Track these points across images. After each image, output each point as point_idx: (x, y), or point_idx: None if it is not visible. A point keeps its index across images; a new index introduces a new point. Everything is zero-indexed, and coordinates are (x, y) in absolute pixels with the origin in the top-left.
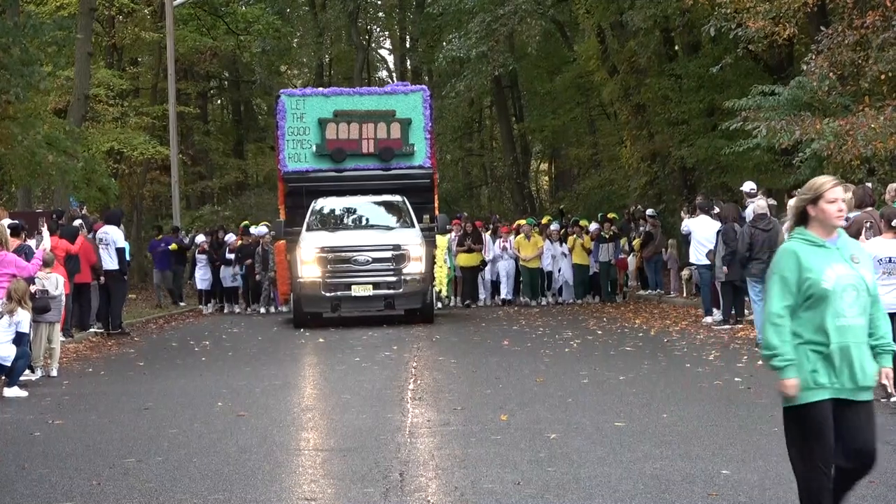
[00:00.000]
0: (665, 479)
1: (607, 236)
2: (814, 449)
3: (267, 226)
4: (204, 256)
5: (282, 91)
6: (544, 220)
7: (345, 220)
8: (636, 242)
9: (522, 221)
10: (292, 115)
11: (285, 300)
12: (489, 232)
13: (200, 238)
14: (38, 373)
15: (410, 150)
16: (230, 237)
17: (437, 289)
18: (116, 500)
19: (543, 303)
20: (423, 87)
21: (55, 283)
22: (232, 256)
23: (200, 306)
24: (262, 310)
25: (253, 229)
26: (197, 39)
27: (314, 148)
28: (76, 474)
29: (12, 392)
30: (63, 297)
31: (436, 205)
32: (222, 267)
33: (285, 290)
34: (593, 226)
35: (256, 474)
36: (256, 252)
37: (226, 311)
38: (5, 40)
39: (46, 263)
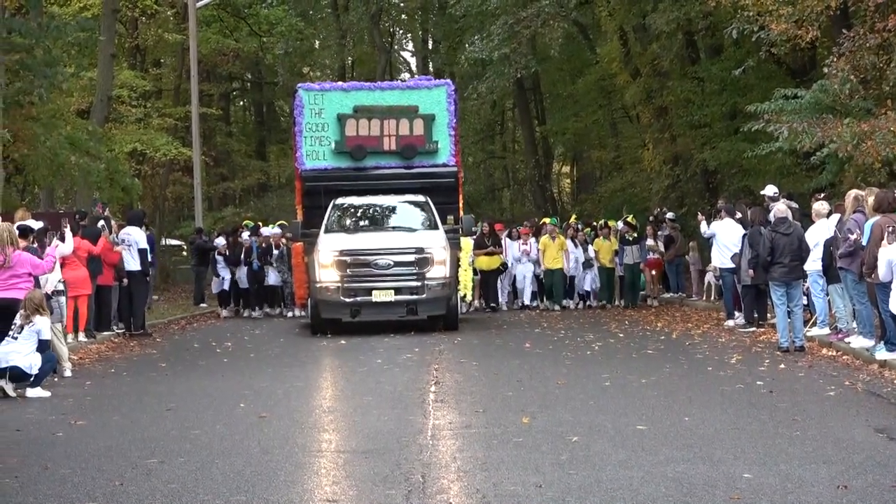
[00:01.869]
0: (687, 483)
1: (630, 239)
2: None
3: (283, 226)
4: (222, 258)
5: (299, 85)
6: (571, 220)
7: (365, 222)
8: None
9: (547, 220)
10: (310, 110)
11: (302, 304)
12: (506, 235)
13: (220, 241)
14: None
15: (434, 147)
16: (246, 237)
17: (461, 293)
18: (139, 501)
19: (569, 306)
20: (448, 81)
21: (45, 281)
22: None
23: (221, 310)
24: (290, 313)
25: (266, 230)
26: (220, 41)
27: (333, 145)
28: (99, 475)
29: (35, 392)
30: (65, 299)
31: (460, 205)
32: (238, 269)
33: (302, 294)
34: (619, 224)
35: (278, 475)
36: (280, 252)
37: (244, 314)
38: (29, 41)
39: None
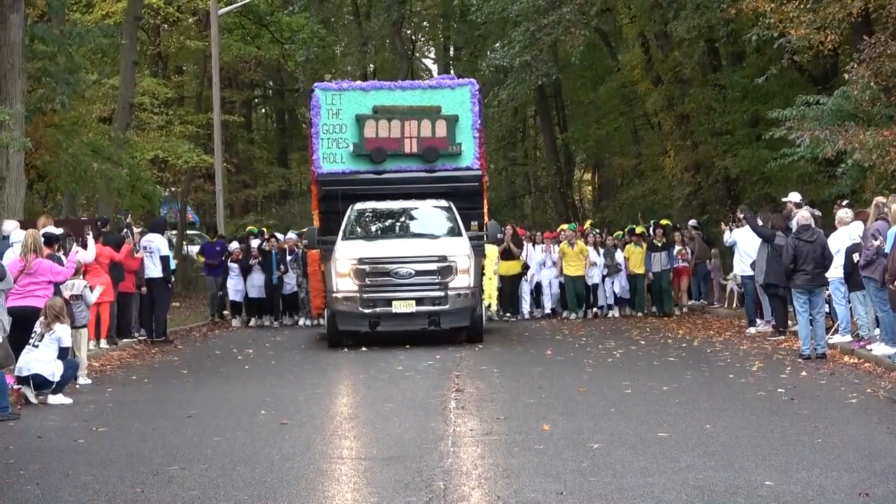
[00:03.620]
0: (708, 490)
1: (659, 244)
2: None
3: (299, 233)
4: (236, 265)
5: (316, 84)
6: (586, 226)
7: (385, 228)
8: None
9: (564, 227)
10: (327, 111)
11: (319, 314)
12: (527, 238)
13: (234, 245)
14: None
15: (457, 149)
16: (256, 243)
17: (485, 303)
18: None
19: (589, 315)
20: (472, 80)
21: (72, 286)
22: (258, 262)
23: (232, 319)
24: (307, 322)
25: (285, 235)
26: (241, 48)
27: (351, 147)
28: (120, 482)
29: (57, 399)
30: (89, 304)
31: (485, 210)
32: (248, 276)
33: (319, 303)
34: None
35: (300, 482)
36: (296, 258)
37: (253, 323)
38: (51, 48)
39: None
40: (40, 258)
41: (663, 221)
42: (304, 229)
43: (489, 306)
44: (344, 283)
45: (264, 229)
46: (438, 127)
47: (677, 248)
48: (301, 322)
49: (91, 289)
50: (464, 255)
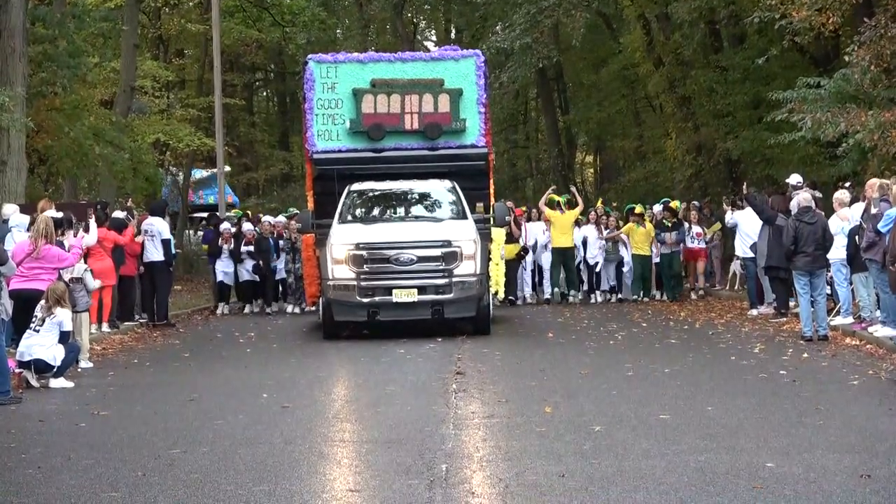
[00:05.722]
0: (710, 472)
1: (669, 224)
2: None
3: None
4: (226, 247)
5: (310, 56)
6: (598, 205)
7: (384, 211)
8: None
9: (559, 198)
10: (322, 84)
11: (313, 302)
12: (526, 219)
13: (226, 226)
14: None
15: (461, 126)
16: (247, 227)
17: (492, 290)
18: (162, 491)
19: (599, 300)
20: (477, 52)
21: (72, 270)
22: (250, 248)
23: (217, 306)
24: (296, 309)
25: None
26: (242, 31)
27: (348, 123)
28: (122, 465)
29: (58, 383)
30: (90, 288)
31: (491, 191)
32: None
33: (314, 291)
34: (657, 207)
35: (301, 465)
36: (292, 244)
37: (246, 310)
38: (52, 31)
39: None
40: (50, 244)
41: (673, 204)
42: (296, 211)
43: (496, 293)
44: (340, 270)
45: (248, 212)
46: (441, 101)
47: (696, 228)
48: (289, 309)
49: (92, 274)
50: (469, 240)
